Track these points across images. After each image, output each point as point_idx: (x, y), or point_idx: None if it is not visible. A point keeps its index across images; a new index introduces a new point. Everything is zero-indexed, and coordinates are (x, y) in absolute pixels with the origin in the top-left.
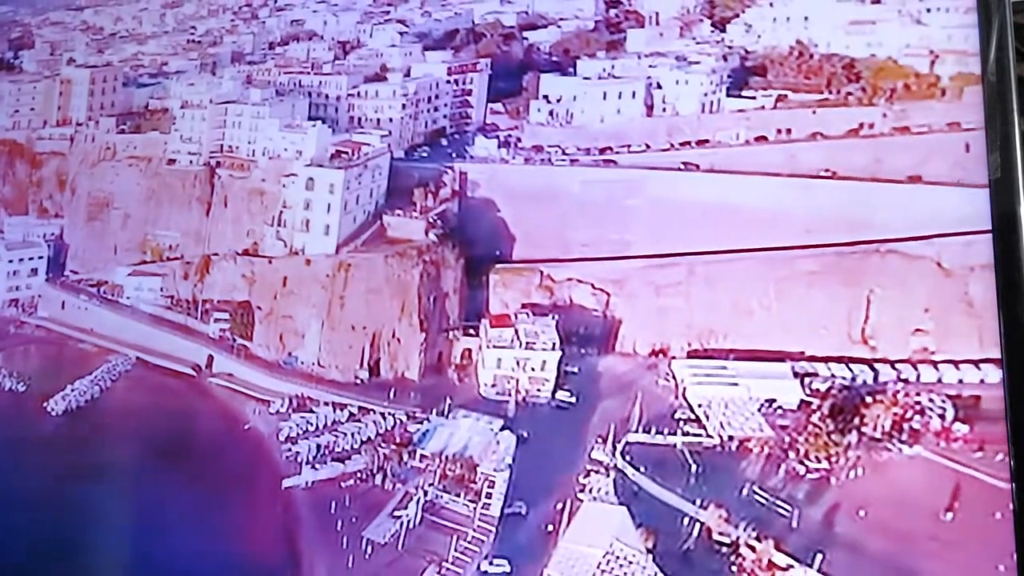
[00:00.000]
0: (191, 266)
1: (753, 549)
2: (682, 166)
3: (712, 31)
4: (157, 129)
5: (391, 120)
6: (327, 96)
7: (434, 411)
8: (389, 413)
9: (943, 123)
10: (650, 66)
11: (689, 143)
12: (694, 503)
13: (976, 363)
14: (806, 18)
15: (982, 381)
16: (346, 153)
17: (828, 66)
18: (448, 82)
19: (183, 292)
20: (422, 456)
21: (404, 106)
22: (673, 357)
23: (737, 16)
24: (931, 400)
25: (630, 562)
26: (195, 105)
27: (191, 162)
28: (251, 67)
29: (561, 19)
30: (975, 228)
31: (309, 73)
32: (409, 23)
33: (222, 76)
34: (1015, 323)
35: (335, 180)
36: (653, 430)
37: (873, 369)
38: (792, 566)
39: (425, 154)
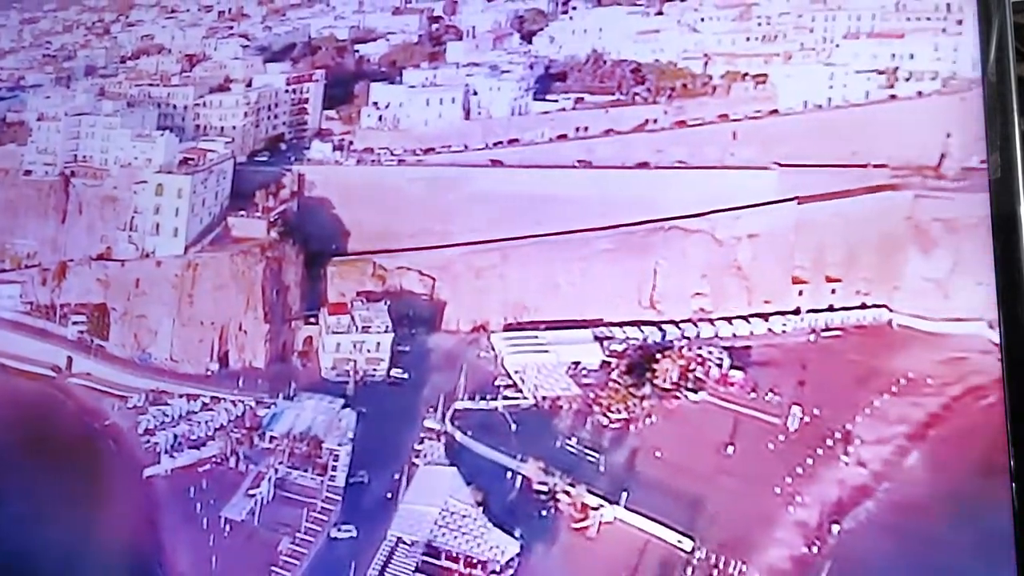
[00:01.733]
0: (48, 272)
1: (568, 494)
2: (490, 163)
3: (520, 43)
4: (15, 141)
5: (234, 127)
6: (175, 106)
7: (280, 395)
8: (239, 400)
9: (714, 116)
10: (467, 75)
11: (501, 142)
12: (515, 458)
13: (745, 318)
14: (600, 30)
15: (751, 333)
16: (192, 159)
17: (619, 71)
18: (287, 91)
19: (41, 298)
20: (271, 438)
21: (246, 114)
22: (492, 331)
23: (542, 29)
24: (710, 352)
25: (463, 516)
26: (50, 118)
27: (47, 172)
28: (104, 80)
29: (389, 33)
30: (742, 204)
31: (158, 85)
32: (251, 37)
33: (76, 89)
34: (1015, 323)
35: (183, 185)
36: (477, 397)
37: (661, 330)
38: (602, 505)
39: (265, 158)
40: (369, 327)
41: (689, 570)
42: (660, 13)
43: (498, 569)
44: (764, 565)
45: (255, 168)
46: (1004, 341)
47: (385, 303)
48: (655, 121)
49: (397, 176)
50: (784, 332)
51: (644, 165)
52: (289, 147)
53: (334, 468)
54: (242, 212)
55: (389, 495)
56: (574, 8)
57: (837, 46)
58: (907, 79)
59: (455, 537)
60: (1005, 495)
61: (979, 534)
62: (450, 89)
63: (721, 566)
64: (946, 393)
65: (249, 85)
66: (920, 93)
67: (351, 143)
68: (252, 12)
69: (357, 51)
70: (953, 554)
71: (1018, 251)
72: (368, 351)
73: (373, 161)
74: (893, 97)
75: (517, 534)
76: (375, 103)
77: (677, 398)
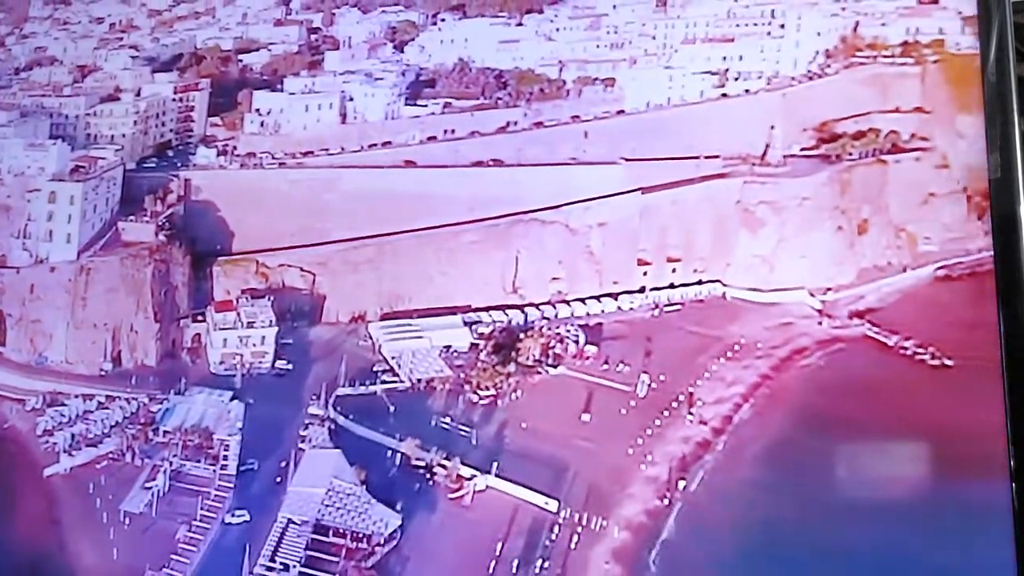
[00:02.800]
0: None
1: (444, 467)
2: (369, 165)
3: (393, 52)
4: None
5: (124, 135)
6: (67, 116)
7: (172, 391)
8: (133, 398)
9: (568, 117)
10: (344, 82)
11: (376, 144)
12: (394, 437)
13: (597, 298)
14: (466, 40)
15: (603, 311)
16: (84, 167)
17: (483, 78)
18: (174, 100)
19: None
20: (165, 432)
21: (135, 122)
22: (369, 321)
23: (413, 39)
24: (567, 330)
25: (348, 494)
26: None
27: None
28: None
29: (271, 44)
30: (593, 196)
31: (51, 96)
32: (140, 48)
33: None
34: (1016, 323)
35: (75, 192)
36: (357, 383)
37: (523, 312)
38: (475, 475)
39: (154, 164)
40: (254, 322)
41: (556, 529)
42: (520, 24)
43: (382, 541)
44: (622, 519)
45: (144, 174)
46: (1004, 341)
47: (269, 299)
48: (515, 123)
49: (278, 178)
50: (631, 309)
51: (504, 163)
52: (176, 153)
53: (225, 458)
54: (131, 217)
55: (278, 480)
56: (443, 20)
57: (676, 51)
58: (736, 79)
59: (341, 514)
60: (825, 445)
61: (804, 477)
62: (328, 95)
63: (584, 523)
64: (775, 355)
65: (138, 94)
66: (748, 91)
67: (235, 148)
68: (141, 24)
69: (241, 61)
70: (783, 498)
71: (1018, 251)
72: (254, 345)
73: (256, 165)
74: (724, 95)
75: (398, 507)
76: (257, 110)
77: (539, 373)
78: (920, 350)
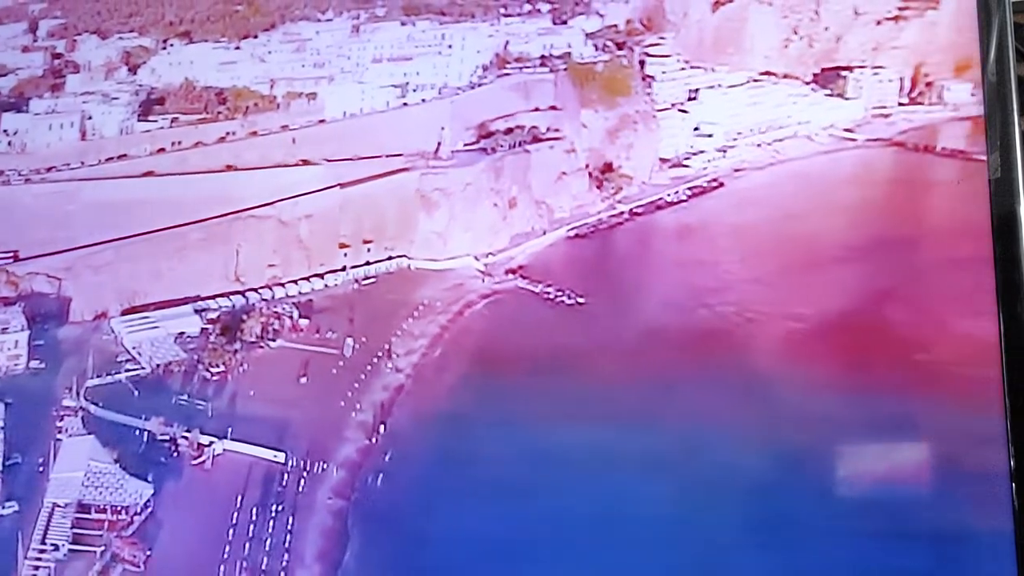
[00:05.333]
0: None
1: (186, 438)
2: (106, 176)
3: (128, 74)
4: None
5: None
6: None
7: None
8: None
9: (278, 126)
10: (83, 102)
11: (112, 158)
12: (141, 418)
13: (307, 279)
14: (191, 62)
15: (312, 290)
16: None
17: (206, 95)
18: None
19: None
20: None
21: None
22: (111, 317)
23: (145, 62)
24: (283, 308)
25: (104, 473)
26: None
27: None
28: None
29: (18, 68)
30: (300, 192)
31: None
32: None
33: None
34: (1015, 323)
35: None
36: (104, 374)
37: (245, 297)
38: (213, 442)
39: None
40: (7, 328)
41: (285, 476)
42: (238, 48)
43: (139, 510)
44: (339, 460)
45: None
46: (1004, 341)
47: (20, 306)
48: (234, 133)
49: (24, 193)
50: (336, 285)
51: (216, 169)
52: None
53: None
54: None
55: (41, 469)
56: (172, 45)
57: (367, 69)
58: (415, 90)
59: (100, 492)
60: (492, 377)
61: (480, 406)
62: (69, 115)
63: (308, 468)
64: (450, 310)
65: None
66: (424, 100)
67: None
68: None
69: None
70: (463, 425)
71: (1018, 251)
72: (8, 349)
73: (3, 182)
74: (405, 104)
75: (150, 479)
76: (5, 130)
77: (261, 348)
78: (559, 294)
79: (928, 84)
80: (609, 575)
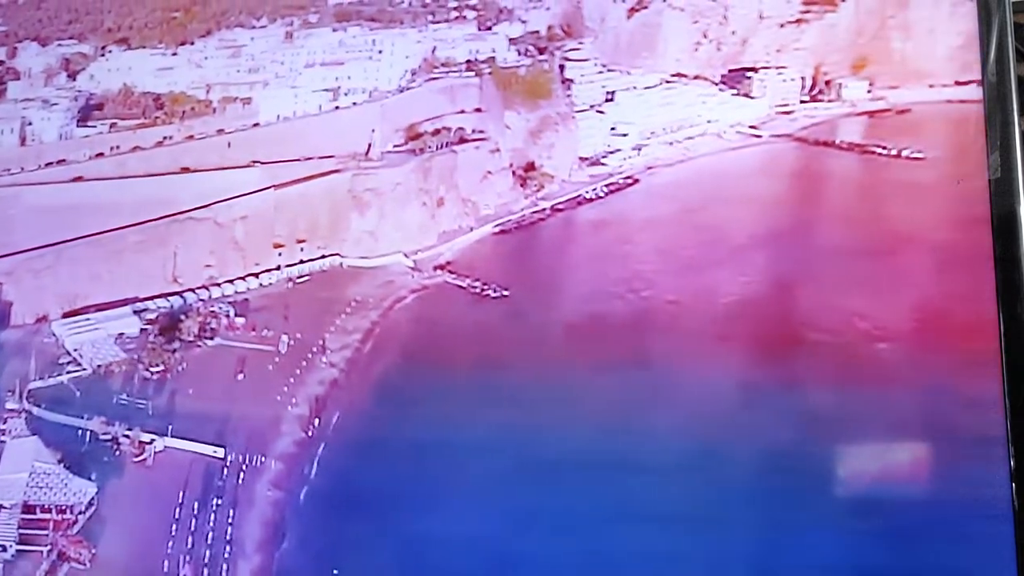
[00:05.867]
0: None
1: (128, 437)
2: (46, 181)
3: (67, 80)
4: None
5: None
6: None
7: None
8: None
9: (214, 131)
10: (24, 108)
11: (52, 163)
12: (83, 418)
13: (243, 278)
14: (130, 68)
15: (248, 289)
16: None
17: (144, 100)
18: None
19: None
20: None
21: None
22: (52, 320)
23: (84, 69)
24: (220, 308)
25: (48, 474)
26: None
27: None
28: None
29: None
30: (235, 194)
31: None
32: None
33: None
34: (1015, 323)
35: None
36: (46, 376)
37: (183, 298)
38: (154, 439)
39: None
40: None
41: (225, 471)
42: (175, 54)
43: (83, 509)
44: (277, 452)
45: None
46: (1004, 341)
47: None
48: (171, 137)
49: None
50: (271, 284)
51: (159, 173)
52: None
53: None
54: None
55: None
56: (110, 51)
57: (300, 74)
58: (346, 94)
59: (45, 492)
60: (421, 367)
61: (405, 395)
62: (9, 121)
63: (247, 462)
64: (382, 305)
65: None
66: (355, 103)
67: None
68: None
69: None
70: (394, 414)
71: (1018, 251)
72: None
73: None
74: (337, 108)
75: (93, 477)
76: None
77: (199, 347)
78: (485, 287)
79: (827, 83)
80: (530, 569)
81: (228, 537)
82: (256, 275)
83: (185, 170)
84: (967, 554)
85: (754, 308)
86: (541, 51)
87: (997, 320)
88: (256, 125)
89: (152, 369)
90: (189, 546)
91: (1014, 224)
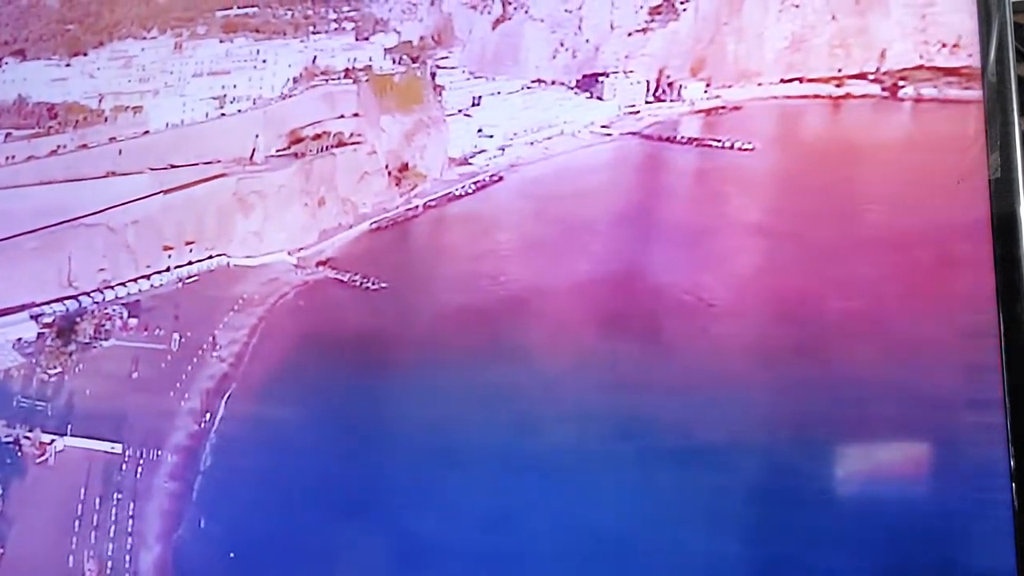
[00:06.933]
0: None
1: (29, 438)
2: None
3: None
4: None
5: None
6: None
7: None
8: None
9: (106, 139)
10: None
11: None
12: None
13: (135, 280)
14: (25, 79)
15: (140, 291)
16: None
17: (38, 110)
18: None
19: None
20: None
21: None
22: None
23: None
24: (114, 309)
25: None
26: None
27: None
28: None
29: None
30: (127, 200)
31: None
32: None
33: None
34: (1015, 323)
35: None
36: None
37: (78, 302)
38: (54, 440)
39: None
40: None
41: (123, 466)
42: (68, 65)
43: None
44: (172, 445)
45: None
46: (1004, 341)
47: None
48: (65, 146)
49: None
50: (162, 285)
51: (54, 181)
52: None
53: None
54: None
55: None
56: (6, 63)
57: (188, 83)
58: (232, 102)
59: None
60: (311, 356)
61: (300, 384)
62: None
63: (144, 456)
64: (267, 302)
65: None
66: (240, 111)
67: None
68: None
69: None
70: (281, 402)
71: (1018, 251)
72: None
73: None
74: (223, 115)
75: None
76: None
77: (95, 348)
78: (364, 280)
79: (669, 84)
80: (404, 559)
81: (129, 530)
82: (148, 277)
83: (79, 178)
84: (967, 554)
85: (608, 288)
86: (414, 60)
87: (997, 320)
88: (146, 133)
89: (50, 371)
90: (93, 541)
91: (1014, 224)
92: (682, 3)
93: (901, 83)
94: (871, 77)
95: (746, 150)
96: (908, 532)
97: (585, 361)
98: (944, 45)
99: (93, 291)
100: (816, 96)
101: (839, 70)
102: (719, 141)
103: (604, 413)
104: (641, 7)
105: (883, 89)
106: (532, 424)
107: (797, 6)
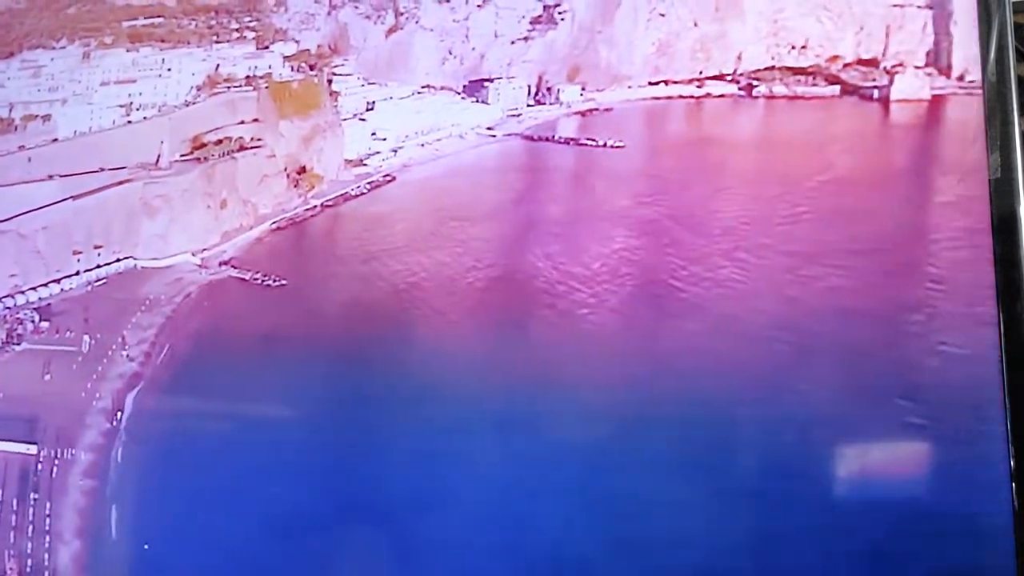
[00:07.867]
0: None
1: None
2: None
3: None
4: None
5: None
6: None
7: None
8: None
9: (16, 147)
10: None
11: None
12: None
13: (46, 285)
14: None
15: (51, 295)
16: None
17: None
18: None
19: None
20: None
21: None
22: None
23: None
24: (25, 314)
25: None
26: None
27: None
28: None
29: None
30: (32, 208)
31: None
32: None
33: None
34: (1015, 323)
35: None
36: None
37: None
38: None
39: None
40: None
41: (39, 466)
42: None
43: None
44: (86, 445)
45: None
46: (1004, 341)
47: None
48: None
49: None
50: (72, 289)
51: None
52: None
53: None
54: None
55: None
56: None
57: (96, 91)
58: (138, 109)
59: None
60: (220, 352)
61: (214, 380)
62: None
63: (59, 456)
64: (174, 301)
65: None
66: (146, 117)
67: None
68: None
69: None
70: (196, 397)
71: (1018, 251)
72: None
73: None
74: (130, 122)
75: None
76: None
77: (7, 352)
78: (265, 278)
79: (548, 89)
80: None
81: (47, 528)
82: (58, 281)
83: None
84: (967, 554)
85: (492, 280)
86: (312, 67)
87: (998, 320)
88: (55, 140)
89: None
90: (12, 541)
91: (1014, 224)
92: (560, 14)
93: (755, 83)
94: (728, 78)
95: (617, 147)
96: (908, 532)
97: (472, 349)
98: (793, 47)
99: (4, 296)
100: (680, 96)
101: (700, 72)
102: (593, 140)
103: (488, 400)
104: (523, 17)
105: (739, 88)
106: (422, 411)
107: (663, 15)
